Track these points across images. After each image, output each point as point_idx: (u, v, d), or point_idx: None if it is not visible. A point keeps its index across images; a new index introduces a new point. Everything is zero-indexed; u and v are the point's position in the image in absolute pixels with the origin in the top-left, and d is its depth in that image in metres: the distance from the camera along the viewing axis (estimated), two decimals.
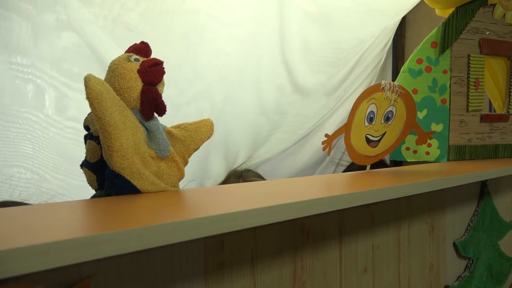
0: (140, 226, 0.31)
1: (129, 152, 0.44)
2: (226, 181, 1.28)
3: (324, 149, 0.68)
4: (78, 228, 0.31)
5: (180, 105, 1.23)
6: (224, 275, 0.47)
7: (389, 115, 0.70)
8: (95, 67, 1.07)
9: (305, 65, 1.42)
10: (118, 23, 1.07)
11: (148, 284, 0.41)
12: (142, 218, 0.34)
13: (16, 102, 1.01)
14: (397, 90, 0.69)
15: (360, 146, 0.71)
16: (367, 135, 0.71)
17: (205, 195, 0.48)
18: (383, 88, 0.68)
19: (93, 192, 0.51)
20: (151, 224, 0.31)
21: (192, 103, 1.26)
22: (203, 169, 1.29)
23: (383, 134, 0.72)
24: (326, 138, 0.68)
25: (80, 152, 1.13)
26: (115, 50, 1.07)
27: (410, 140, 0.94)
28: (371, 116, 0.70)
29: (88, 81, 0.42)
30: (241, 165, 1.38)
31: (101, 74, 1.14)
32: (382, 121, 0.71)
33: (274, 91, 1.39)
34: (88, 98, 0.41)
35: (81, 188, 1.14)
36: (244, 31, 1.27)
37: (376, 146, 0.72)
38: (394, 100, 0.69)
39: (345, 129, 0.69)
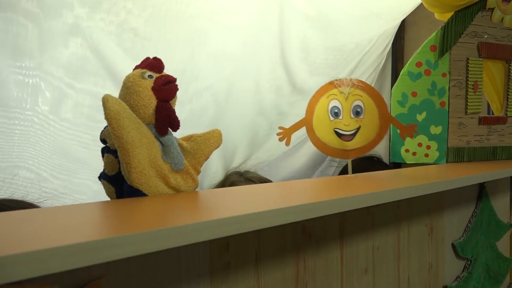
0: (149, 229, 0.32)
1: (146, 167, 0.46)
2: (227, 180, 1.29)
3: (281, 140, 0.72)
4: (90, 232, 0.33)
5: (183, 104, 1.25)
6: (229, 275, 0.48)
7: (358, 110, 0.73)
8: (100, 71, 1.09)
9: (305, 67, 1.43)
10: (124, 28, 1.08)
11: (156, 284, 0.42)
12: (151, 221, 0.35)
13: (21, 104, 1.02)
14: (352, 83, 0.72)
15: (330, 140, 0.74)
16: (335, 129, 0.74)
17: (211, 197, 0.49)
18: (335, 84, 0.72)
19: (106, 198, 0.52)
20: (159, 228, 0.33)
21: (194, 103, 1.27)
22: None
23: (358, 129, 0.74)
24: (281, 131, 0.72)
25: (82, 152, 1.15)
26: (121, 55, 1.09)
27: (410, 142, 0.95)
28: (336, 111, 0.73)
29: (106, 102, 0.43)
30: (241, 165, 1.39)
31: (106, 79, 1.15)
32: (352, 116, 0.73)
33: (274, 92, 1.40)
34: (106, 118, 0.43)
35: (83, 187, 1.16)
36: (245, 34, 1.29)
37: (350, 140, 0.74)
38: (352, 94, 0.73)
39: (304, 123, 0.73)
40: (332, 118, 0.73)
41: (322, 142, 0.74)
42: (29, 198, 0.92)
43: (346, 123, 0.73)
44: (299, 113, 1.47)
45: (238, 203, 0.45)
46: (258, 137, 1.43)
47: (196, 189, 0.53)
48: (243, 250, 0.49)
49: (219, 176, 1.33)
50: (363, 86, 0.73)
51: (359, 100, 0.73)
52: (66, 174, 1.13)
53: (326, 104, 0.73)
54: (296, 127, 0.73)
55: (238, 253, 0.49)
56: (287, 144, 0.72)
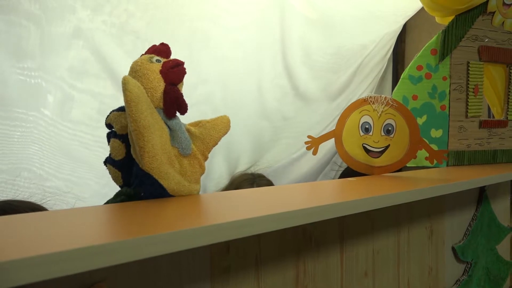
0: (151, 234, 0.32)
1: (158, 153, 0.46)
2: (239, 185, 1.28)
3: (308, 148, 0.73)
4: (91, 236, 0.33)
5: None
6: (230, 278, 0.48)
7: (389, 128, 0.73)
8: (101, 73, 1.09)
9: (307, 70, 1.44)
10: (125, 31, 1.09)
11: (156, 286, 0.42)
12: (153, 226, 0.35)
13: (23, 105, 1.03)
14: (386, 102, 0.72)
15: (357, 154, 0.75)
16: (364, 144, 0.74)
17: (212, 201, 0.49)
18: (369, 101, 0.72)
19: (111, 190, 0.52)
20: (161, 233, 0.33)
21: (195, 106, 1.28)
22: (205, 171, 1.30)
23: (386, 147, 0.74)
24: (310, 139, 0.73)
25: (83, 152, 1.15)
26: (122, 57, 1.09)
27: None
28: (366, 126, 0.74)
29: (127, 84, 0.43)
30: (249, 168, 1.39)
31: (107, 79, 1.16)
32: (383, 133, 0.74)
33: (276, 95, 1.41)
34: (126, 100, 0.43)
35: (84, 186, 1.16)
36: (246, 37, 1.29)
37: (378, 157, 0.75)
38: (385, 112, 0.73)
39: (334, 135, 0.73)
40: (362, 133, 0.74)
41: (349, 155, 0.74)
42: (34, 199, 0.93)
43: (376, 140, 0.74)
44: (304, 121, 1.48)
45: (239, 207, 0.46)
46: (263, 142, 1.43)
47: (200, 191, 0.53)
48: (244, 253, 0.50)
49: (223, 180, 1.33)
50: (397, 106, 0.74)
51: (392, 119, 0.74)
52: (67, 174, 1.14)
53: (357, 118, 0.74)
54: (324, 137, 0.74)
55: (238, 256, 0.49)
56: (314, 153, 0.73)
